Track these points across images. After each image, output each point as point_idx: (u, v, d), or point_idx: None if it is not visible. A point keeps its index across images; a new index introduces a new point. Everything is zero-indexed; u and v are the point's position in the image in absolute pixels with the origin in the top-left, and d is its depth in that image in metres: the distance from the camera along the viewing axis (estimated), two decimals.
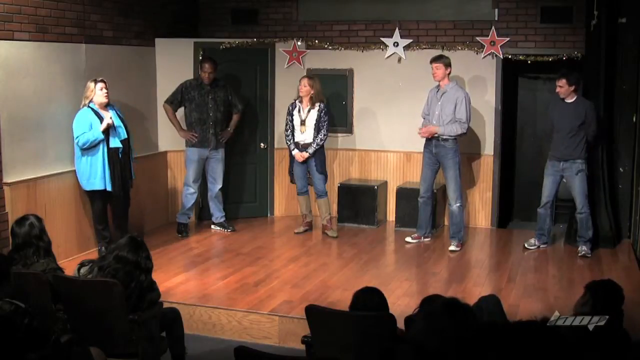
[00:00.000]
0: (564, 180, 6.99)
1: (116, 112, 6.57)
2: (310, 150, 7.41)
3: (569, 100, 6.85)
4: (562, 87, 6.79)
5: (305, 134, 7.43)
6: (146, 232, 7.54)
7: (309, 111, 7.42)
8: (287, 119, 7.52)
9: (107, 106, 6.50)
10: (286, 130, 7.51)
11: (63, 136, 6.52)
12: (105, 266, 4.10)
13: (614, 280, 3.87)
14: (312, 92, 7.36)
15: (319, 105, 7.42)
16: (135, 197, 6.95)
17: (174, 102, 7.48)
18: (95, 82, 6.43)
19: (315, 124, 7.38)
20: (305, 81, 7.38)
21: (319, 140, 7.42)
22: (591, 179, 7.08)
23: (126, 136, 6.54)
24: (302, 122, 7.42)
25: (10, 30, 5.92)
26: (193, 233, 7.67)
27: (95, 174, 6.40)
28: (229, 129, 7.67)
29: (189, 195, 7.58)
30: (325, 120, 7.44)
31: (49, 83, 6.40)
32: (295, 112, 7.46)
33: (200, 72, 7.49)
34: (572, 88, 6.80)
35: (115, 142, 6.44)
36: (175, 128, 7.56)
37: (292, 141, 7.46)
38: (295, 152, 7.44)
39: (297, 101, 7.47)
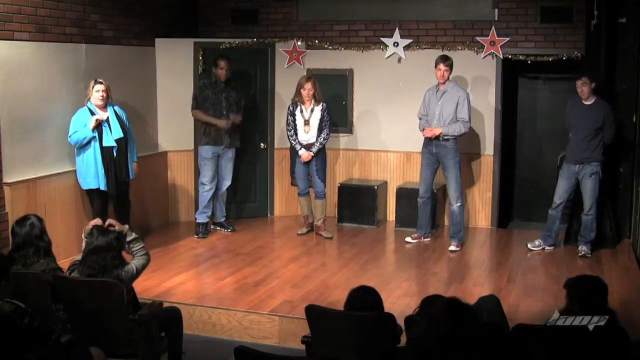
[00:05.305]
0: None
1: (115, 111, 6.56)
2: (314, 149, 7.40)
3: (587, 102, 6.73)
4: (586, 85, 6.62)
5: (309, 134, 7.42)
6: (146, 232, 7.54)
7: (312, 111, 7.42)
8: (288, 119, 7.48)
9: (106, 106, 6.49)
10: (288, 130, 7.48)
11: (63, 136, 6.51)
12: (82, 261, 4.25)
13: (587, 275, 3.93)
14: (314, 92, 7.35)
15: (322, 105, 7.42)
16: (135, 197, 6.95)
17: (198, 104, 7.52)
18: (95, 82, 6.44)
19: (318, 124, 7.40)
20: (309, 85, 7.32)
21: (321, 139, 7.41)
22: None
23: (122, 135, 6.51)
24: (306, 122, 7.41)
25: (10, 30, 5.92)
26: (194, 233, 7.65)
27: (89, 172, 6.39)
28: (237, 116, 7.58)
29: (205, 193, 7.55)
30: (328, 120, 7.44)
31: (49, 83, 6.39)
32: (297, 113, 7.42)
33: (216, 70, 7.46)
34: (592, 86, 6.65)
35: (108, 141, 6.41)
36: (213, 123, 7.45)
37: (297, 141, 7.44)
38: (302, 151, 7.41)
39: (297, 101, 7.46)
